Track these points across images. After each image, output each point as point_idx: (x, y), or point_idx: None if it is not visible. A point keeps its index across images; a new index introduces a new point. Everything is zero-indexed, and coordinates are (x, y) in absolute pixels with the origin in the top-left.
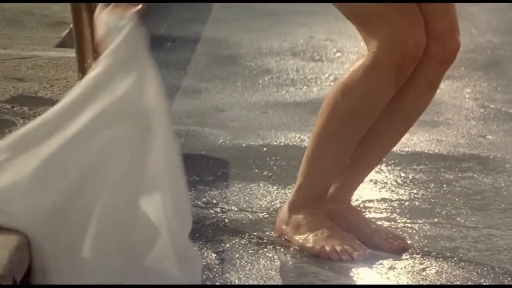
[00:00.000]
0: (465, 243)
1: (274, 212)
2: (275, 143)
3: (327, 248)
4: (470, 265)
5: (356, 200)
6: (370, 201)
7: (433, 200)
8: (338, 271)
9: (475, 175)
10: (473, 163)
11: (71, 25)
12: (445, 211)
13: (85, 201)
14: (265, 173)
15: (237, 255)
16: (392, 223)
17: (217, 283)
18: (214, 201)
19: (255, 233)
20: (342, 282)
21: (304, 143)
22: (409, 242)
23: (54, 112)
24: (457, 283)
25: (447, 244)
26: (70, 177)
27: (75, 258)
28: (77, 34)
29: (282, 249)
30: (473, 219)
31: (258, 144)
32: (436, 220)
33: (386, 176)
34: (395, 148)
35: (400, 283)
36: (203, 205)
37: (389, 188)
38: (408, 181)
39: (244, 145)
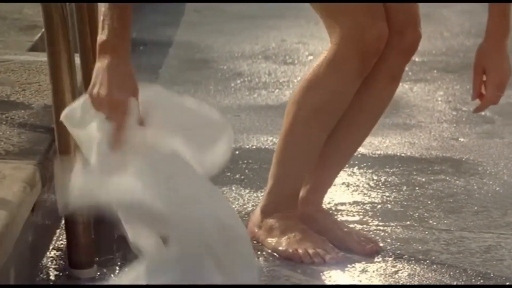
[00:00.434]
0: (438, 246)
1: (246, 216)
2: (247, 146)
3: (300, 251)
4: (443, 268)
5: (329, 203)
6: (342, 204)
7: (405, 203)
8: (310, 274)
9: (447, 178)
10: (446, 165)
11: (43, 29)
12: (417, 214)
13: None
14: (237, 176)
15: None
16: (365, 226)
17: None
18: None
19: None
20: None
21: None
22: (381, 245)
23: None
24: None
25: (420, 247)
26: None
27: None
28: (48, 38)
29: (254, 253)
30: (445, 221)
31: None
32: (408, 223)
33: (359, 179)
34: (367, 151)
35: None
36: None
37: (362, 191)
38: (380, 184)
39: None
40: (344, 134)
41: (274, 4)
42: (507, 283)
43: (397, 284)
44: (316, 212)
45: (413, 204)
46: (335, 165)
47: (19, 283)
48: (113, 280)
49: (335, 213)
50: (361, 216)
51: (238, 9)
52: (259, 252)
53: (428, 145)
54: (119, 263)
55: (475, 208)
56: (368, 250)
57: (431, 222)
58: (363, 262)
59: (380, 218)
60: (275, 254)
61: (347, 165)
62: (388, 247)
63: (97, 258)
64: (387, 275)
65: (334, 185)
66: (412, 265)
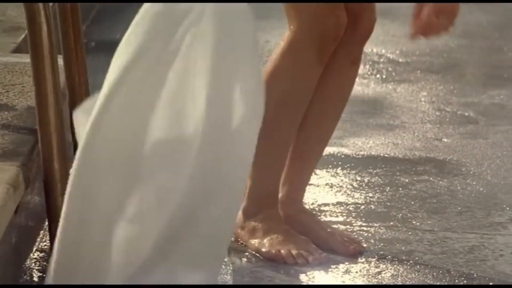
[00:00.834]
0: (421, 246)
1: None
2: None
3: (283, 252)
4: (426, 268)
5: (312, 204)
6: (325, 204)
7: (388, 204)
8: (293, 275)
9: (431, 178)
10: (429, 166)
11: (27, 31)
12: (400, 215)
13: None
14: None
15: None
16: (348, 226)
17: None
18: None
19: None
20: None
21: None
22: (364, 245)
23: None
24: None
25: (403, 247)
26: None
27: None
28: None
29: (237, 254)
30: (428, 222)
31: None
32: (391, 223)
33: (342, 180)
34: (351, 152)
35: None
36: None
37: (345, 191)
38: (363, 185)
39: None
40: (312, 126)
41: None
42: (491, 283)
43: (381, 284)
44: (298, 213)
45: (397, 204)
46: (308, 160)
47: (2, 284)
48: None
49: (319, 213)
50: (345, 217)
51: None
52: (242, 253)
53: (412, 146)
54: None
55: (459, 208)
56: (351, 251)
57: (414, 222)
58: (346, 263)
59: (363, 219)
60: (258, 255)
61: (330, 166)
62: (372, 248)
63: None
64: (370, 276)
65: (318, 185)
66: (395, 266)
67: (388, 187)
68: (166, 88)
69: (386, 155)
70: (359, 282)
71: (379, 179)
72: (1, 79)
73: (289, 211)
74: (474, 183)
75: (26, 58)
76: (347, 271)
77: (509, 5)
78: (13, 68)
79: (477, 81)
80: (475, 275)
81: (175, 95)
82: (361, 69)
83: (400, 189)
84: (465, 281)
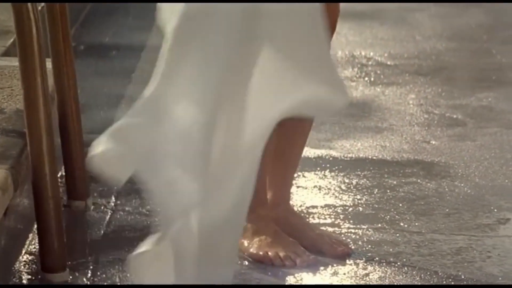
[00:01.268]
0: (409, 248)
1: None
2: None
3: (270, 254)
4: (414, 270)
5: (300, 206)
6: (314, 207)
7: (376, 206)
8: (281, 277)
9: (418, 180)
10: (417, 168)
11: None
12: (388, 216)
13: None
14: None
15: None
16: (336, 228)
17: None
18: (158, 209)
19: None
20: None
21: None
22: (352, 247)
23: None
24: None
25: (391, 249)
26: None
27: None
28: (20, 43)
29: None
30: (416, 224)
31: None
32: (379, 225)
33: (330, 182)
34: (339, 154)
35: None
36: (147, 212)
37: (333, 194)
38: (351, 187)
39: None
40: (287, 125)
41: None
42: (478, 285)
43: (368, 285)
44: (287, 214)
45: (385, 206)
46: (289, 160)
47: None
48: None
49: (307, 216)
50: (333, 219)
51: None
52: None
53: (400, 148)
54: (91, 267)
55: (446, 210)
56: (339, 252)
57: (402, 224)
58: (334, 265)
59: (351, 221)
60: (246, 256)
61: (318, 168)
62: (359, 250)
63: (69, 262)
64: (358, 278)
65: (306, 188)
66: (383, 267)
67: (376, 189)
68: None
69: (374, 158)
70: (347, 283)
71: (367, 181)
72: None
73: (277, 213)
74: (462, 185)
75: (15, 62)
76: (335, 273)
77: (498, 8)
78: (2, 72)
79: (465, 83)
80: (463, 277)
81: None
82: (350, 72)
83: (388, 191)
84: (452, 283)
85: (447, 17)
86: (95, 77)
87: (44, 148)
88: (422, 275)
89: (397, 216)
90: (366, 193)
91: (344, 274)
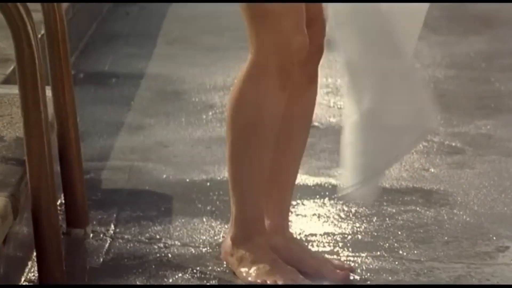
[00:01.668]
0: (408, 276)
1: (217, 247)
2: (218, 178)
3: (269, 282)
4: None
5: (299, 234)
6: (313, 234)
7: (375, 234)
8: None
9: (418, 208)
10: (416, 196)
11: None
12: (387, 244)
13: None
14: (208, 208)
15: None
16: (335, 256)
17: None
18: (158, 236)
19: (198, 268)
20: None
21: None
22: (352, 276)
23: None
24: None
25: (390, 277)
26: None
27: None
28: (20, 70)
29: (224, 284)
30: (415, 252)
31: (202, 179)
32: (378, 253)
33: (329, 210)
34: (338, 182)
35: None
36: (147, 240)
37: (332, 221)
38: (350, 215)
39: (187, 180)
40: (280, 152)
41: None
42: None
43: None
44: (286, 241)
45: (384, 234)
46: (283, 187)
47: None
48: None
49: (306, 243)
50: (332, 247)
51: (209, 41)
52: (229, 284)
53: (399, 176)
54: None
55: (445, 238)
56: (341, 276)
57: (401, 252)
58: None
59: (350, 249)
60: (246, 285)
61: (317, 196)
62: (358, 278)
63: None
64: None
65: (305, 216)
66: None
67: (375, 217)
68: None
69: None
70: None
71: (366, 209)
72: None
73: (276, 240)
74: (461, 213)
75: (14, 89)
76: None
77: (496, 36)
78: (2, 99)
79: (464, 111)
80: None
81: None
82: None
83: (387, 219)
84: None
85: (446, 45)
86: (95, 104)
87: (43, 176)
88: None
89: (396, 244)
90: (365, 221)
91: None
